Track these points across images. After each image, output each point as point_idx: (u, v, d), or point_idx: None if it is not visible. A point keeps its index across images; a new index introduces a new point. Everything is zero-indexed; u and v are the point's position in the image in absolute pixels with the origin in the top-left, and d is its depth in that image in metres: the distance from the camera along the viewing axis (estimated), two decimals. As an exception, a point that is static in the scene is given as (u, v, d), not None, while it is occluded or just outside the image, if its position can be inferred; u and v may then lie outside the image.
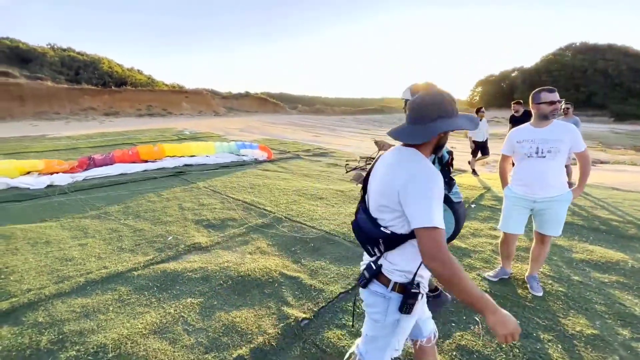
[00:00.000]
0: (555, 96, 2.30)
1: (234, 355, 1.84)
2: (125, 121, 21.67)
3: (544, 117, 2.32)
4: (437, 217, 1.00)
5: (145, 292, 2.46)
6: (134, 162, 7.34)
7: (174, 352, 1.87)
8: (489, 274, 2.76)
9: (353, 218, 1.31)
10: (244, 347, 1.91)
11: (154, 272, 2.73)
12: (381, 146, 2.25)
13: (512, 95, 60.37)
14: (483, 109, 8.13)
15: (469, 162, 8.06)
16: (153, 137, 12.95)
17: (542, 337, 2.03)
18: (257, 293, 2.48)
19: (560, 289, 2.57)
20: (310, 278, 2.70)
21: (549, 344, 1.98)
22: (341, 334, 2.04)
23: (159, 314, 2.20)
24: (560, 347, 1.95)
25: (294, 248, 3.27)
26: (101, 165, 6.82)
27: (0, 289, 2.46)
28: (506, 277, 2.72)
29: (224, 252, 3.14)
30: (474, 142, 7.83)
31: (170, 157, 8.04)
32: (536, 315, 2.24)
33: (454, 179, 1.70)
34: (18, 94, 21.73)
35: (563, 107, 7.25)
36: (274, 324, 2.13)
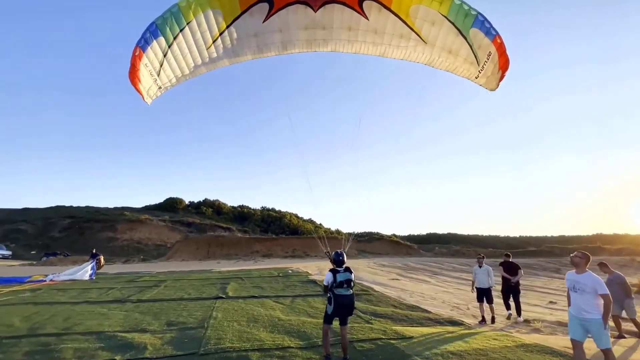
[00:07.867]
0: (578, 254, 4.06)
1: None
2: (272, 261, 28.91)
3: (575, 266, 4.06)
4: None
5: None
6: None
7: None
8: None
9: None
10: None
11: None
12: None
13: None
14: (482, 255, 8.51)
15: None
16: (264, 273, 17.57)
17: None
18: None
19: None
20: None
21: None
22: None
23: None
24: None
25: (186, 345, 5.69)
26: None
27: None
28: None
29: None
30: (476, 288, 7.87)
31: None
32: None
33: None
34: (221, 242, 34.04)
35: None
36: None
